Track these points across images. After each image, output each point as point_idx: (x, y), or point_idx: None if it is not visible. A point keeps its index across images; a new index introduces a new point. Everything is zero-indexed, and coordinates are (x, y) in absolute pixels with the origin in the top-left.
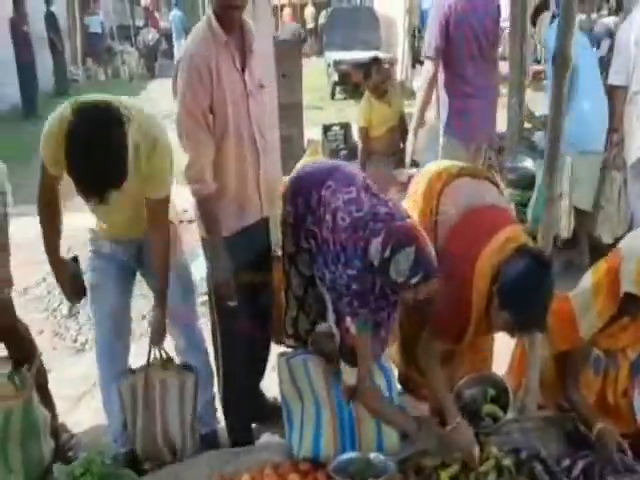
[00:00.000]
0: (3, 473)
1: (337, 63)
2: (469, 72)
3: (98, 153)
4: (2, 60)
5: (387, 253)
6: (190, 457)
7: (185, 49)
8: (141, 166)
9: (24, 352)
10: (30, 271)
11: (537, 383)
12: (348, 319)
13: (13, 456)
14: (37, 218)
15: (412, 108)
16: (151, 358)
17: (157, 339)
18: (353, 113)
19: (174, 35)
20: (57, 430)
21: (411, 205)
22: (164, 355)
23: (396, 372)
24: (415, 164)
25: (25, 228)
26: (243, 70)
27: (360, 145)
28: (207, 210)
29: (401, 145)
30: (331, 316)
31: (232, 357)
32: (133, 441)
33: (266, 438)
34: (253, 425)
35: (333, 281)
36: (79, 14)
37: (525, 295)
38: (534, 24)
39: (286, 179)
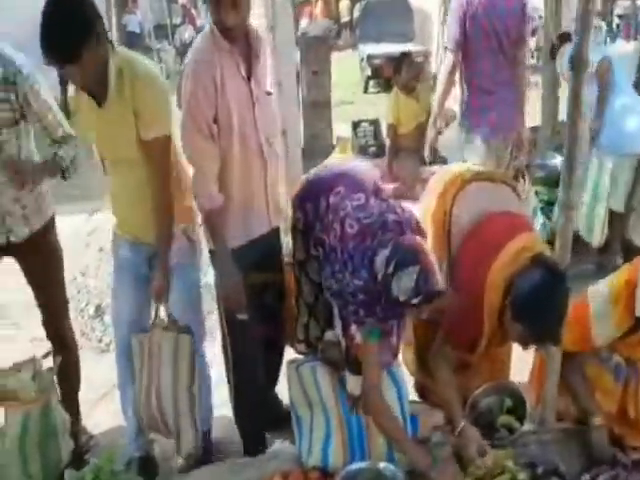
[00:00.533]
0: (21, 474)
1: (370, 57)
2: (488, 68)
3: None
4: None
5: (390, 269)
6: (199, 468)
7: (189, 59)
8: (125, 92)
9: (69, 352)
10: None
11: (555, 393)
12: (354, 327)
13: (31, 457)
14: (71, 216)
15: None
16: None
17: (160, 296)
18: (386, 108)
19: None
20: (77, 432)
21: (425, 209)
22: (167, 316)
23: (411, 380)
24: (443, 161)
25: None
26: (249, 78)
27: (388, 142)
28: (214, 223)
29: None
30: (338, 323)
31: (243, 368)
32: (139, 410)
33: (277, 446)
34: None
35: (340, 289)
36: (117, 13)
37: (538, 308)
38: (553, 57)
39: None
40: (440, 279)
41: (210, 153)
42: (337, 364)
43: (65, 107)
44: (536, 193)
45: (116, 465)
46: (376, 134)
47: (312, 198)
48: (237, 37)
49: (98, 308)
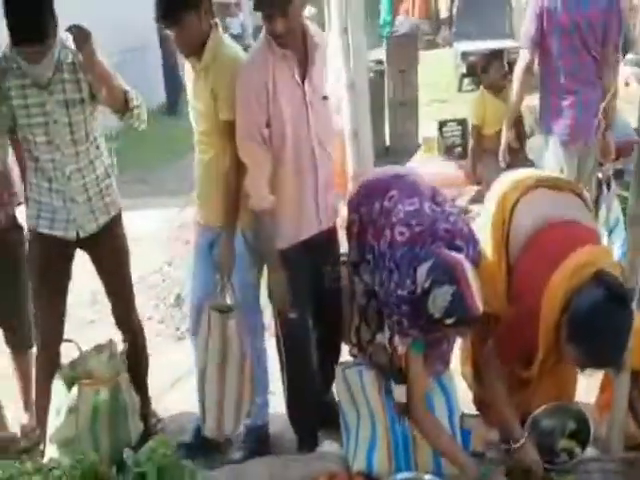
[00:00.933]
0: (92, 450)
1: (464, 54)
2: (569, 66)
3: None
4: (153, 64)
5: (427, 284)
6: (254, 459)
7: (244, 64)
8: (211, 69)
9: (137, 338)
10: (149, 260)
11: (623, 418)
12: (397, 338)
13: (101, 435)
14: (164, 209)
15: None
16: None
17: (222, 274)
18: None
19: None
20: (147, 415)
21: (485, 215)
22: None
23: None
24: (531, 165)
25: (149, 219)
26: (303, 82)
27: (471, 144)
28: (264, 223)
29: (517, 145)
30: (386, 331)
31: (295, 367)
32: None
33: (326, 446)
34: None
35: (385, 298)
36: (220, 16)
37: (595, 332)
38: None
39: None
40: (478, 303)
41: (262, 157)
42: (385, 368)
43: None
44: (623, 201)
45: (169, 449)
46: (463, 134)
47: (366, 202)
48: (290, 42)
49: (178, 297)
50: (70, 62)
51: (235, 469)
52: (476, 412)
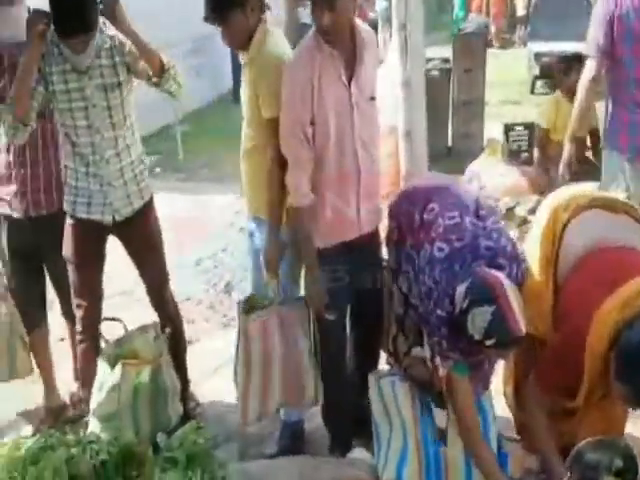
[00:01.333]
0: (133, 429)
1: (538, 55)
2: None
3: None
4: (221, 52)
5: (465, 304)
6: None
7: (290, 61)
8: (254, 66)
9: (172, 320)
10: (205, 245)
11: None
12: (438, 359)
13: (142, 414)
14: (222, 195)
15: None
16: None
17: (268, 267)
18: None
19: (379, 25)
20: (186, 398)
21: (534, 233)
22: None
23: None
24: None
25: (208, 204)
26: (350, 82)
27: (536, 150)
28: (302, 221)
29: (590, 155)
30: (426, 349)
31: (330, 369)
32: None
33: (357, 453)
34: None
35: (425, 316)
36: (292, 6)
37: None
38: None
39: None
40: (521, 324)
41: (304, 155)
42: (422, 383)
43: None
44: None
45: (201, 436)
46: (530, 140)
47: (406, 212)
48: (338, 40)
49: (228, 284)
50: (108, 47)
51: (267, 464)
52: (516, 435)
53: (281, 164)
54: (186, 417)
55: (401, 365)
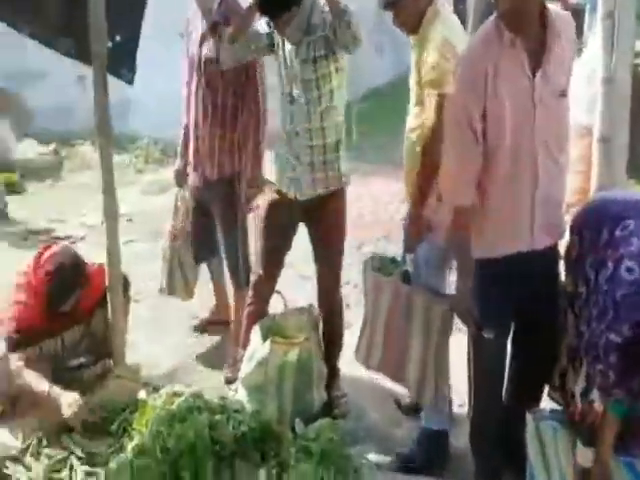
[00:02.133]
0: (277, 407)
1: None
2: None
3: None
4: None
5: None
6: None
7: (466, 49)
8: (422, 46)
9: (333, 317)
10: (371, 230)
11: None
12: (596, 392)
13: (286, 394)
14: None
15: None
16: None
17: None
18: None
19: (586, 13)
20: (332, 386)
21: None
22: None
23: None
24: None
25: (380, 189)
26: (534, 74)
27: None
28: (458, 222)
29: None
30: (581, 378)
31: (483, 394)
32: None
33: None
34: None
35: (591, 342)
36: None
37: None
38: None
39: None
40: None
41: (467, 150)
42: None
43: None
44: None
45: (336, 434)
46: None
47: (593, 226)
48: (522, 26)
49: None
50: (318, 23)
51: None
52: None
53: (438, 148)
54: (330, 405)
55: (568, 407)
